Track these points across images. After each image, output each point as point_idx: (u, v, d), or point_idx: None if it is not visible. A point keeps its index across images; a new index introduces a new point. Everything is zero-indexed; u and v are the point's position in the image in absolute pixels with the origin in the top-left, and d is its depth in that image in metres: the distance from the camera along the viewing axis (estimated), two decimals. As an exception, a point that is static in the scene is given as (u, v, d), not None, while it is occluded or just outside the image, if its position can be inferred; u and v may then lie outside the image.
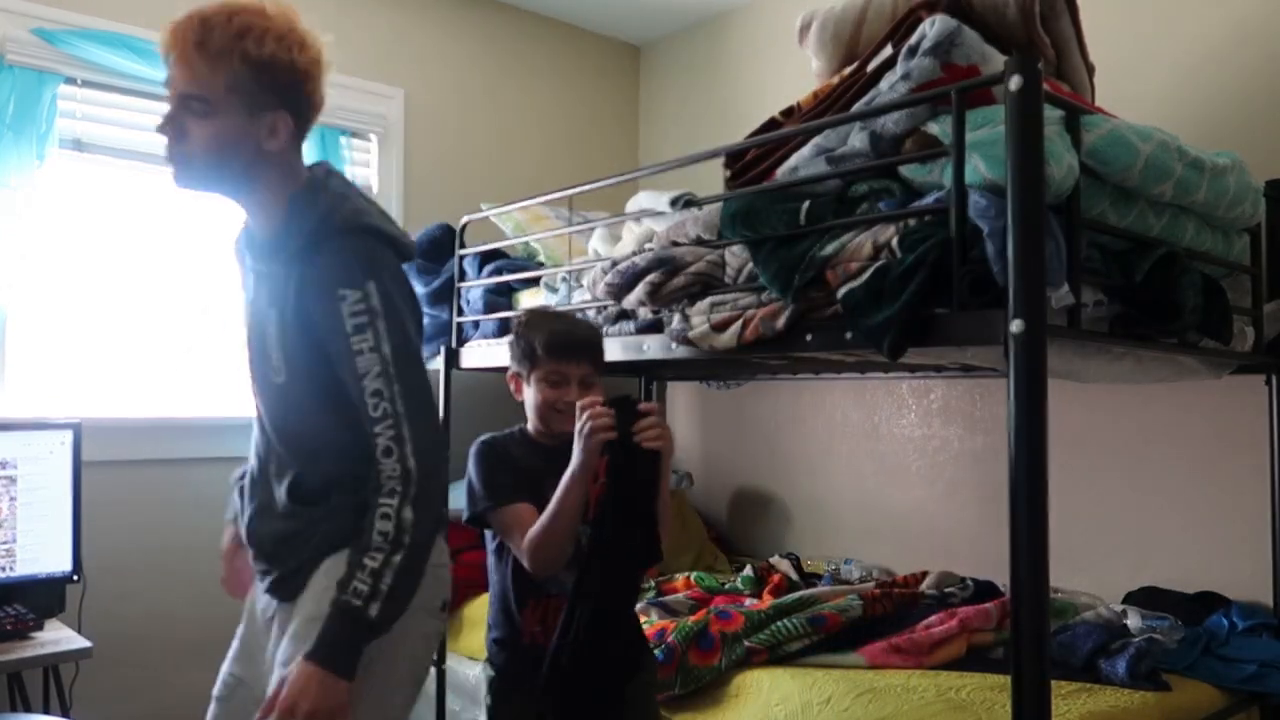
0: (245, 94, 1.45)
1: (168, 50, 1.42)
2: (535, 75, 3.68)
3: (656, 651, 2.07)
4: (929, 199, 1.60)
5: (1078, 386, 2.07)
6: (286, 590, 1.46)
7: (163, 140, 1.57)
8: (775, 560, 2.86)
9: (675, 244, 2.03)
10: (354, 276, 1.33)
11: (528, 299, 2.66)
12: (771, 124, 1.98)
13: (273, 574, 1.48)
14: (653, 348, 2.09)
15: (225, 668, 1.62)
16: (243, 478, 1.60)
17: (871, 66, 1.80)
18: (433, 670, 2.16)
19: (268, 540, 1.48)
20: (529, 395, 1.87)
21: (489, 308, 2.70)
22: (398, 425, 1.31)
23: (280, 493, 1.46)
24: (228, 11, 1.42)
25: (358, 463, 1.37)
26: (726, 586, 2.68)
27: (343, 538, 1.38)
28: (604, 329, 2.27)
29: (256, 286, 1.52)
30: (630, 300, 2.06)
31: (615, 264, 2.11)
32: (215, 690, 1.61)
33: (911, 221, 1.59)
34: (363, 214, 1.42)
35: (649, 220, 2.16)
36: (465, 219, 2.83)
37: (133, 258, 2.78)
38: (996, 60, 1.66)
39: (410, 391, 1.33)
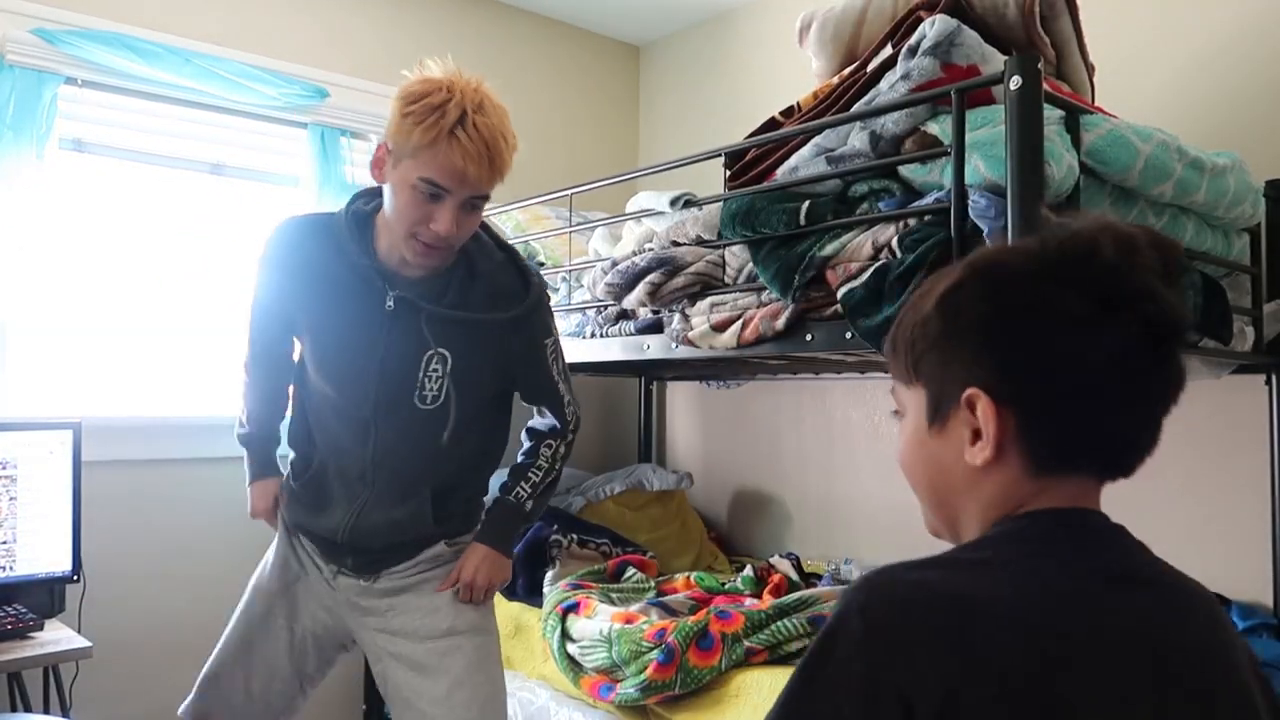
0: None
1: (491, 177, 1.55)
2: (535, 75, 3.68)
3: (657, 652, 2.07)
4: (929, 199, 1.60)
5: (1078, 386, 2.07)
6: (377, 568, 1.72)
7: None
8: (775, 560, 2.86)
9: (675, 244, 2.03)
10: (550, 328, 1.76)
11: (528, 299, 2.66)
12: (771, 124, 1.98)
13: (367, 559, 1.72)
14: (653, 348, 2.09)
15: (267, 586, 1.81)
16: (268, 440, 1.87)
17: (871, 66, 1.80)
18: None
19: (384, 532, 1.70)
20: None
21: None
22: (571, 396, 1.80)
23: (415, 500, 1.70)
24: (511, 135, 1.57)
25: (488, 470, 1.83)
26: (726, 586, 2.68)
27: (457, 531, 1.76)
28: (604, 329, 2.27)
29: (408, 318, 1.64)
30: (630, 300, 2.07)
31: (615, 264, 2.11)
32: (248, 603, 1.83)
33: (911, 221, 1.59)
34: (542, 281, 1.79)
35: (649, 220, 2.16)
36: (465, 219, 2.82)
37: (133, 258, 2.78)
38: (996, 60, 1.67)
39: (569, 377, 1.82)
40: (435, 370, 1.64)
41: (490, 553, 1.73)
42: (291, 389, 1.83)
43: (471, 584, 1.71)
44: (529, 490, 1.77)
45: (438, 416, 1.66)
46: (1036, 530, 0.74)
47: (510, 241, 2.75)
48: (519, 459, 1.82)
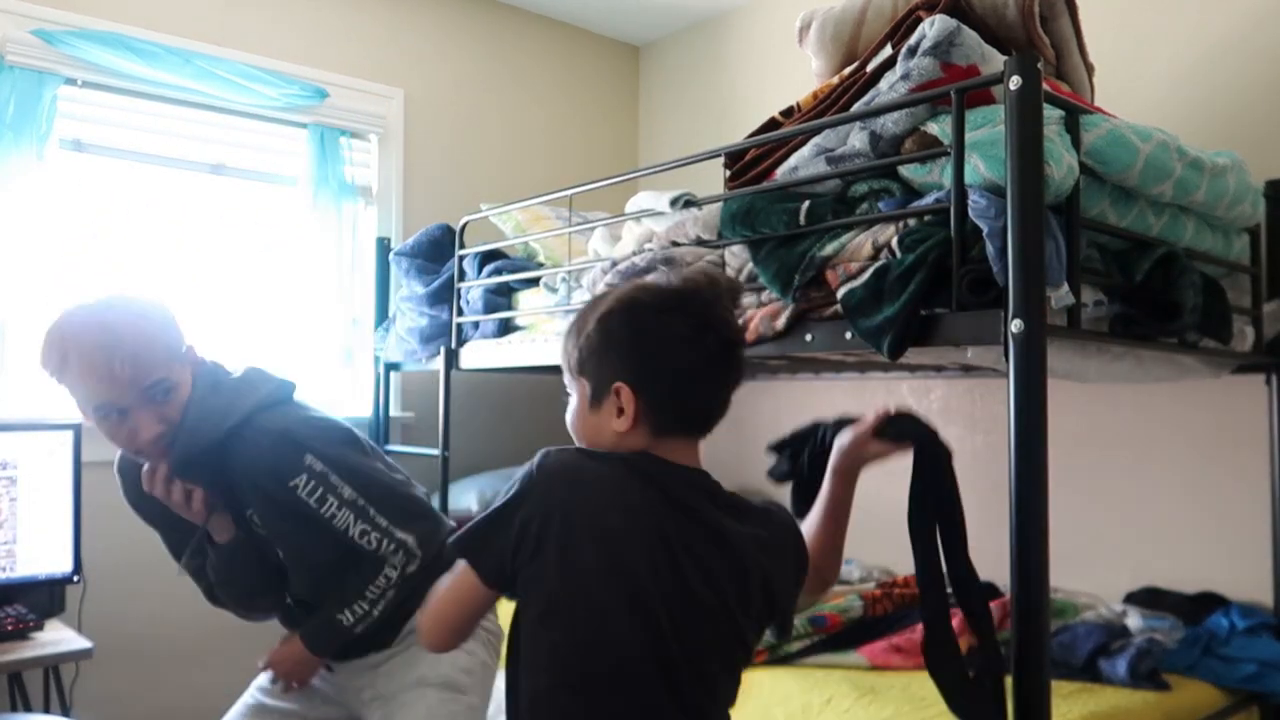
0: None
1: (114, 388, 1.49)
2: (535, 75, 3.68)
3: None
4: (929, 199, 1.60)
5: (1078, 386, 2.07)
6: (346, 654, 1.69)
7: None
8: (775, 560, 2.86)
9: (675, 244, 2.03)
10: (299, 461, 1.54)
11: (528, 299, 2.66)
12: (771, 124, 1.98)
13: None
14: (653, 348, 2.09)
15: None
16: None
17: (871, 66, 1.80)
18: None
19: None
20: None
21: (489, 308, 2.70)
22: (384, 529, 1.57)
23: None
24: (116, 346, 1.52)
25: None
26: (726, 586, 2.67)
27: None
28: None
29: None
30: (630, 300, 2.06)
31: (615, 264, 2.11)
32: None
33: (911, 221, 1.59)
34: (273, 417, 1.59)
35: (649, 220, 2.16)
36: (465, 219, 2.83)
37: (133, 258, 2.78)
38: (996, 60, 1.66)
39: (373, 497, 1.58)
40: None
41: (305, 655, 1.62)
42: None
43: (274, 669, 1.66)
44: (359, 614, 1.58)
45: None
46: (640, 459, 1.13)
47: (510, 243, 2.76)
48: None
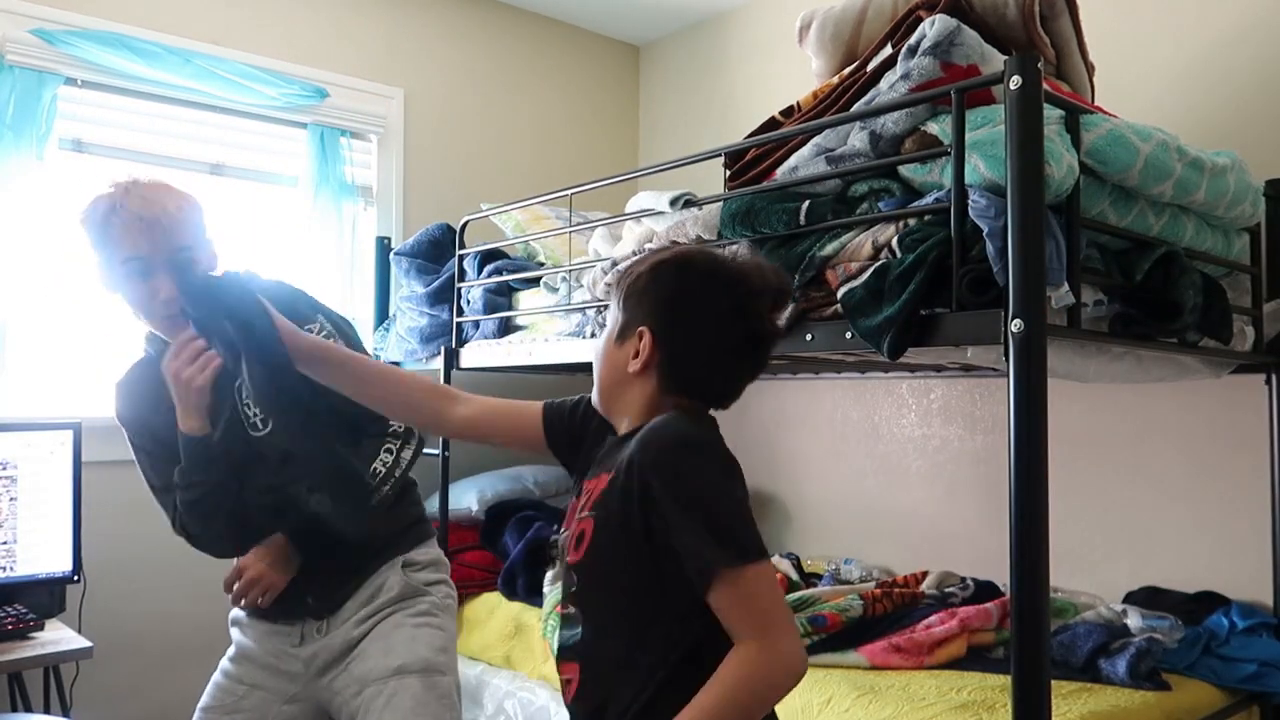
0: None
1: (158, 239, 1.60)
2: (535, 75, 3.68)
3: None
4: (929, 199, 1.60)
5: (1078, 386, 2.07)
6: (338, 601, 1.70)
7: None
8: (775, 560, 2.86)
9: (675, 244, 2.03)
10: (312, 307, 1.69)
11: (528, 299, 2.66)
12: (771, 124, 1.98)
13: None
14: (653, 348, 2.09)
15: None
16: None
17: (871, 66, 1.80)
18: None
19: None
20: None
21: (489, 308, 2.70)
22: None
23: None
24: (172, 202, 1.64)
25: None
26: (726, 586, 2.67)
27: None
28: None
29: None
30: (630, 300, 2.06)
31: (615, 264, 2.11)
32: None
33: (911, 221, 1.59)
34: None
35: (649, 220, 2.16)
36: (465, 219, 2.83)
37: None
38: (996, 60, 1.66)
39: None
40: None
41: (275, 550, 1.64)
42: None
43: (247, 569, 1.63)
44: (377, 478, 1.63)
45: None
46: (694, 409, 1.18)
47: (510, 242, 2.76)
48: None
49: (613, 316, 1.21)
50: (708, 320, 1.14)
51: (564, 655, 1.18)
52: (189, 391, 1.54)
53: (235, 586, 1.63)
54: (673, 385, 1.16)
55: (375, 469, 1.63)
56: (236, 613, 1.77)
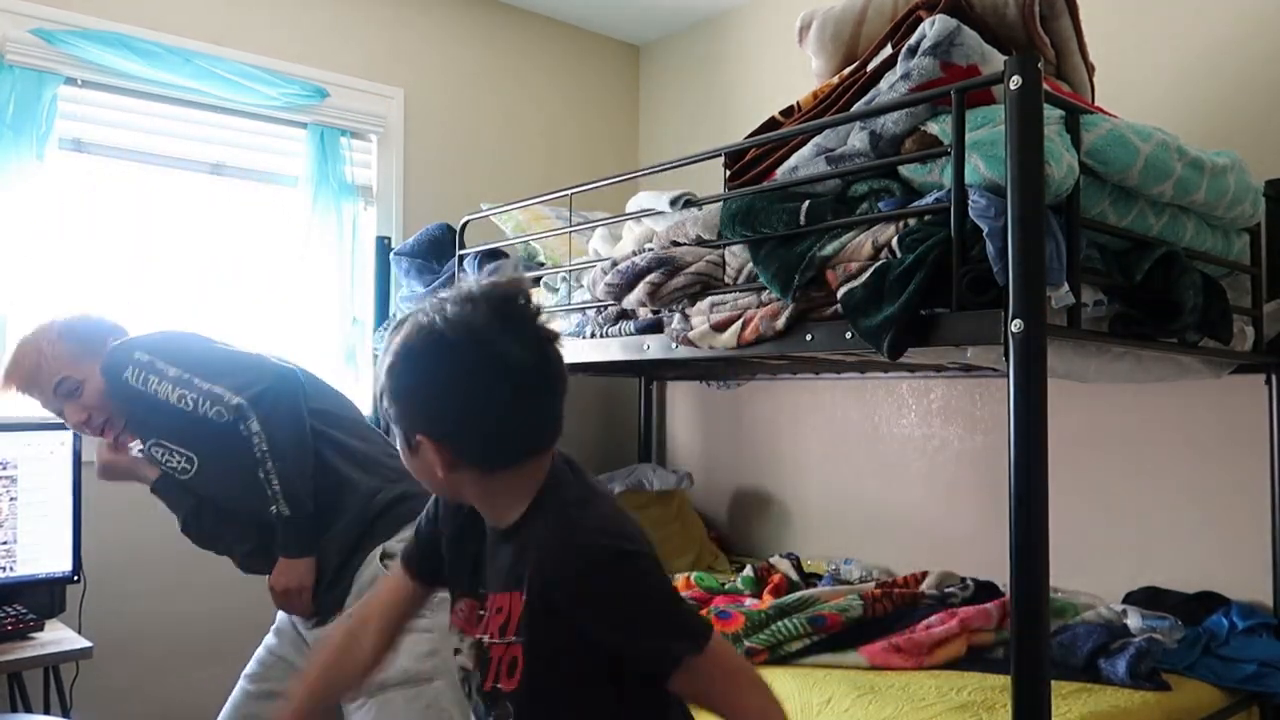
0: None
1: (12, 385, 1.92)
2: (535, 75, 3.68)
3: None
4: (929, 199, 1.60)
5: (1078, 386, 2.07)
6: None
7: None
8: (775, 560, 2.86)
9: (675, 244, 2.03)
10: (126, 363, 1.84)
11: (528, 299, 2.65)
12: (771, 124, 1.98)
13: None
14: (653, 348, 2.09)
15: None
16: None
17: (871, 66, 1.80)
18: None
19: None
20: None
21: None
22: (228, 385, 1.77)
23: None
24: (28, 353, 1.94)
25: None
26: (726, 586, 2.68)
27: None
28: (604, 329, 2.27)
29: None
30: (630, 300, 2.06)
31: (615, 264, 2.11)
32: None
33: (911, 221, 1.59)
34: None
35: (649, 220, 2.16)
36: (465, 219, 2.83)
37: (132, 258, 2.78)
38: (996, 60, 1.66)
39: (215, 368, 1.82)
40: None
41: (287, 566, 1.76)
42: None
43: (274, 587, 1.76)
44: (274, 494, 1.73)
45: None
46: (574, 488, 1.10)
47: (510, 242, 2.76)
48: None
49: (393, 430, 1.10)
50: (466, 392, 1.02)
51: None
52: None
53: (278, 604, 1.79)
54: (491, 465, 1.05)
55: (265, 475, 1.73)
56: None
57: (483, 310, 1.01)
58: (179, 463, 1.83)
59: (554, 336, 1.05)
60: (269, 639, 1.91)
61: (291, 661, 1.84)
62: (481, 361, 1.01)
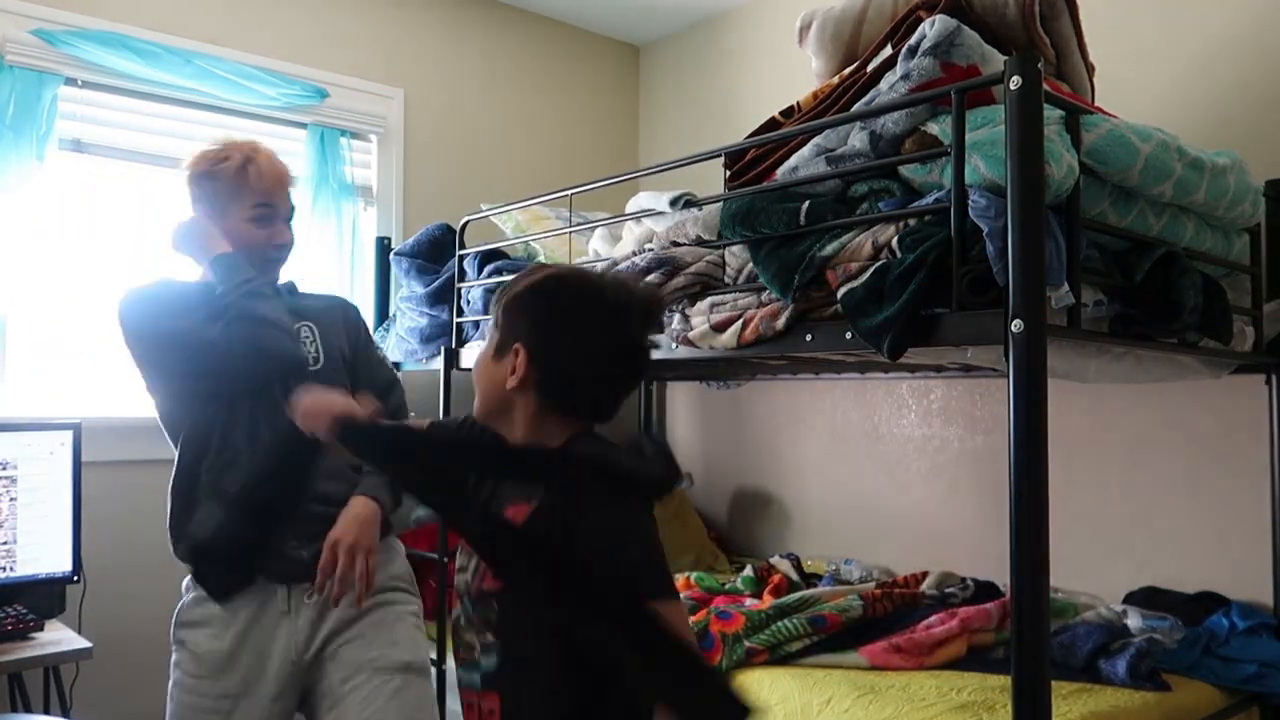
0: None
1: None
2: (535, 75, 3.68)
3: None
4: (929, 199, 1.60)
5: (1078, 386, 2.07)
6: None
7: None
8: (775, 560, 2.86)
9: (675, 244, 2.03)
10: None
11: (528, 299, 2.65)
12: (771, 124, 1.98)
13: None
14: (653, 348, 2.09)
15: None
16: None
17: (871, 66, 1.80)
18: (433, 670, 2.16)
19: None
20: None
21: (489, 308, 2.70)
22: None
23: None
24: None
25: None
26: (726, 586, 2.68)
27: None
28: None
29: None
30: (630, 300, 2.06)
31: (615, 264, 2.11)
32: None
33: (911, 221, 1.59)
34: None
35: (649, 220, 2.16)
36: (465, 219, 2.83)
37: (133, 258, 2.78)
38: (996, 60, 1.67)
39: None
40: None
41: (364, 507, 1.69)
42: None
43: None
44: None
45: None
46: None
47: (510, 243, 2.76)
48: None
49: (491, 333, 1.24)
50: (578, 337, 1.18)
51: (484, 685, 1.17)
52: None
53: (338, 569, 1.61)
54: (550, 402, 1.18)
55: None
56: (190, 614, 1.78)
57: (639, 299, 1.22)
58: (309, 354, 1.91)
59: (655, 348, 1.26)
60: (192, 684, 1.76)
61: (248, 691, 1.73)
62: (613, 330, 1.18)
